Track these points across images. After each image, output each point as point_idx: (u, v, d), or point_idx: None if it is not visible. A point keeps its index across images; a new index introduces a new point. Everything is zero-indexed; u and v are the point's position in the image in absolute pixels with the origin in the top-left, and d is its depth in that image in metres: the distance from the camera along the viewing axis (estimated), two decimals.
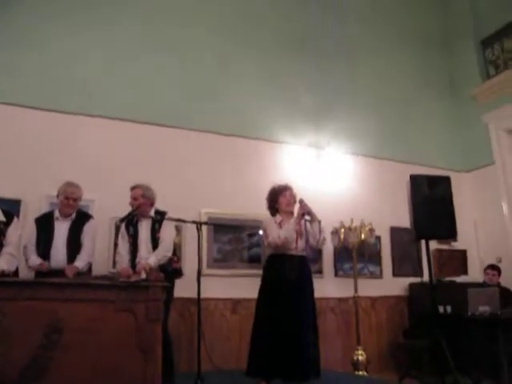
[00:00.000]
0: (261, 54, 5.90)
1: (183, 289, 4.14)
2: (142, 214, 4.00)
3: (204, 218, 4.91)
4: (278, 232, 3.88)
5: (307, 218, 3.92)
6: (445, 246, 6.14)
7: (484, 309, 4.42)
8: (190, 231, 4.57)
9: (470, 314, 4.53)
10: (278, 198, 4.11)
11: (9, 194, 4.23)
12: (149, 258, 3.76)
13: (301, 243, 3.89)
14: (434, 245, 5.75)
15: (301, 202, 3.94)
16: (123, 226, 4.06)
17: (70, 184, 3.93)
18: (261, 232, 4.63)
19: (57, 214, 3.93)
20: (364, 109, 6.29)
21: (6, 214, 3.70)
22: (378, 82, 6.57)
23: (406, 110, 6.68)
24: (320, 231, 3.96)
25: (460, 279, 5.84)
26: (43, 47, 4.86)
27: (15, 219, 3.79)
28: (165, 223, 3.96)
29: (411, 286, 5.87)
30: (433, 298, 4.05)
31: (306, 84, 5.95)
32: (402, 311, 5.83)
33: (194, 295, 3.96)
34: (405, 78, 6.87)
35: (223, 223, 5.11)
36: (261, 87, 5.75)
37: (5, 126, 4.54)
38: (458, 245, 6.16)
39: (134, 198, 3.98)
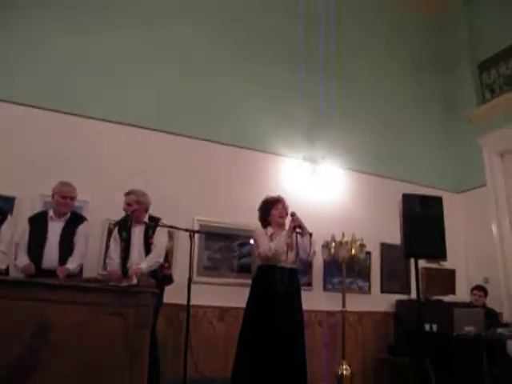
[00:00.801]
0: (257, 67, 5.94)
1: (172, 295, 4.17)
2: (135, 219, 4.02)
3: (196, 226, 4.94)
4: (269, 244, 3.92)
5: (298, 230, 3.96)
6: (434, 265, 6.19)
7: (469, 329, 4.46)
8: (181, 238, 4.58)
9: (455, 333, 4.57)
10: (271, 210, 4.16)
11: (3, 190, 4.22)
12: (140, 263, 3.77)
13: (291, 256, 3.93)
14: (423, 263, 5.80)
15: (293, 215, 3.98)
16: (116, 229, 4.08)
17: (65, 183, 3.95)
18: (252, 241, 4.67)
19: (51, 213, 3.94)
20: (359, 125, 6.34)
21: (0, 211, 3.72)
22: (371, 99, 6.62)
23: (401, 128, 6.75)
24: (310, 244, 4.00)
25: (448, 298, 5.88)
26: (47, 46, 4.88)
27: (9, 217, 3.80)
28: (158, 229, 3.98)
29: (398, 302, 5.90)
30: (419, 316, 4.08)
31: (302, 99, 5.99)
32: (388, 327, 5.85)
33: (183, 302, 3.99)
34: (401, 96, 6.94)
35: (215, 231, 5.12)
36: (254, 99, 5.77)
37: (1, 124, 4.54)
38: (447, 264, 6.21)
39: (128, 204, 4.01)
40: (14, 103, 4.62)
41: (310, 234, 3.99)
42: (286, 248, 3.89)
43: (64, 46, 4.94)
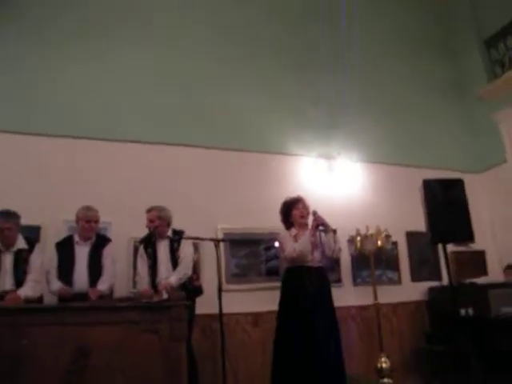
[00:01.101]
0: (268, 67, 5.97)
1: (203, 305, 4.19)
2: (159, 234, 4.06)
3: (220, 234, 4.96)
4: (293, 245, 3.92)
5: (321, 228, 3.95)
6: (462, 248, 6.09)
7: (507, 310, 4.37)
8: (207, 248, 4.60)
9: (493, 315, 4.49)
10: (291, 211, 4.15)
11: (29, 220, 4.28)
12: (170, 277, 3.81)
13: (317, 255, 3.93)
14: (451, 247, 5.70)
15: (314, 213, 3.98)
16: (142, 247, 4.13)
17: (88, 208, 4.01)
18: (277, 244, 4.67)
19: (76, 238, 4.00)
20: (372, 116, 6.30)
21: (28, 241, 3.80)
22: (383, 88, 6.58)
23: (414, 113, 6.68)
24: (335, 241, 3.99)
25: (480, 280, 5.76)
26: (57, 75, 4.98)
27: (37, 245, 3.89)
28: (183, 242, 4.02)
29: (431, 290, 5.83)
30: (453, 301, 4.04)
31: (313, 95, 6.00)
32: (423, 316, 5.78)
33: (215, 311, 3.99)
34: (412, 81, 6.87)
35: (239, 238, 5.13)
36: (269, 101, 5.79)
37: (20, 155, 4.63)
38: (475, 246, 6.10)
39: (151, 220, 4.06)
40: (34, 134, 4.71)
41: (334, 231, 3.98)
42: (310, 248, 3.88)
43: (76, 73, 5.03)
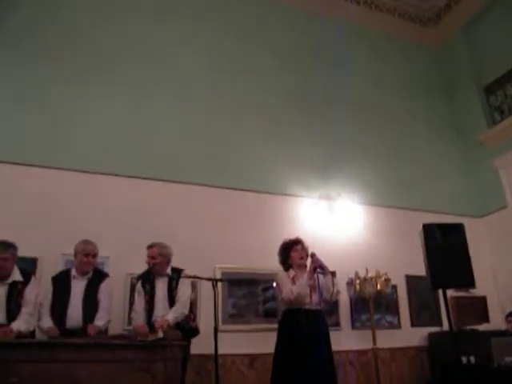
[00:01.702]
0: (266, 109, 6.09)
1: (198, 345, 4.10)
2: (158, 272, 4.03)
3: (218, 273, 4.93)
4: (291, 287, 3.88)
5: (319, 271, 3.92)
6: (463, 294, 6.02)
7: (511, 359, 4.27)
8: (204, 287, 4.57)
9: (496, 364, 4.38)
10: (290, 253, 4.14)
11: (25, 252, 4.25)
12: (167, 315, 3.75)
13: (315, 297, 3.88)
14: (451, 292, 5.65)
15: (312, 255, 3.96)
16: (139, 282, 4.08)
17: (87, 242, 3.99)
18: (274, 285, 4.62)
19: (73, 272, 3.95)
20: (373, 158, 6.39)
21: (23, 272, 3.76)
22: (385, 131, 6.71)
23: (414, 157, 6.77)
24: (333, 284, 3.95)
25: (482, 327, 5.68)
26: (54, 106, 5.07)
27: (33, 278, 3.85)
28: (181, 281, 3.98)
29: (431, 335, 5.73)
30: (455, 348, 3.95)
31: (314, 137, 6.10)
32: (422, 362, 5.66)
33: (210, 351, 3.89)
34: (412, 126, 7.01)
35: (238, 278, 5.09)
36: (268, 143, 5.89)
37: (18, 186, 4.65)
38: (476, 291, 6.02)
39: (152, 257, 4.03)
40: (30, 165, 4.74)
41: (332, 273, 3.94)
42: (308, 290, 3.84)
43: (67, 105, 5.11)
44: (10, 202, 4.55)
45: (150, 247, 4.10)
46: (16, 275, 3.70)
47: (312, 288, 3.86)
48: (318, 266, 3.89)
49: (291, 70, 6.48)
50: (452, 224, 4.02)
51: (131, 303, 4.30)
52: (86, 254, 3.91)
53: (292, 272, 4.07)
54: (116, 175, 5.05)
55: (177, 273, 4.04)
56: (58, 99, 5.09)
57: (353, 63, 6.79)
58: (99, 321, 3.76)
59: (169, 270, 4.07)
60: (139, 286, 4.07)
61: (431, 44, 7.94)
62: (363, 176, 6.16)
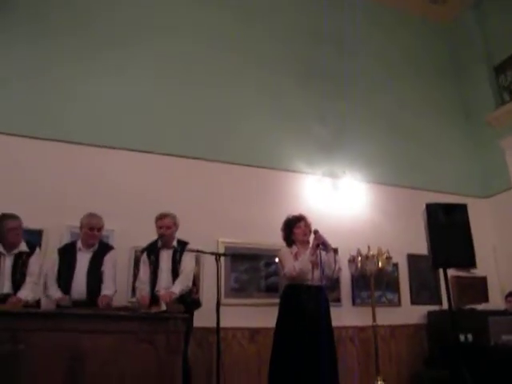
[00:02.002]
0: (271, 85, 6.03)
1: (201, 318, 4.16)
2: (167, 243, 4.05)
3: (221, 248, 4.97)
4: (293, 263, 3.92)
5: (322, 248, 3.95)
6: (463, 273, 6.05)
7: (507, 337, 4.34)
8: (207, 261, 4.60)
9: (492, 343, 4.45)
10: (293, 229, 4.16)
11: (31, 224, 4.30)
12: (173, 287, 3.79)
13: (316, 274, 3.92)
14: (452, 272, 5.67)
15: (315, 232, 3.98)
16: (145, 254, 4.12)
17: (92, 215, 4.00)
18: (277, 260, 4.67)
19: (79, 244, 3.99)
20: (378, 137, 6.35)
21: (29, 245, 3.82)
22: (391, 109, 6.65)
23: (420, 136, 6.71)
24: (335, 261, 3.99)
25: (481, 307, 5.74)
26: (66, 80, 5.06)
27: (37, 249, 3.91)
28: (185, 254, 4.01)
29: (430, 314, 5.79)
30: (453, 326, 3.99)
31: (319, 114, 6.07)
32: (421, 340, 5.73)
33: (212, 325, 3.95)
34: (419, 104, 6.93)
35: (240, 252, 5.14)
36: (274, 119, 5.86)
37: (25, 158, 4.67)
38: (477, 272, 6.05)
39: (168, 227, 4.04)
40: (37, 138, 4.76)
41: (335, 250, 3.98)
42: (310, 266, 3.88)
43: (78, 80, 5.11)
44: (17, 174, 4.57)
45: (161, 218, 4.09)
46: (22, 246, 3.77)
47: (314, 264, 3.89)
48: (321, 243, 3.92)
49: (296, 48, 6.39)
50: (455, 204, 4.02)
51: (135, 276, 4.35)
52: (91, 227, 3.93)
53: (295, 248, 4.11)
54: (122, 149, 5.05)
55: (182, 245, 4.07)
56: (69, 74, 5.07)
57: (359, 41, 6.69)
58: (108, 290, 3.81)
59: (175, 243, 4.11)
60: (145, 256, 4.10)
61: (440, 22, 7.77)
62: (368, 154, 6.14)
